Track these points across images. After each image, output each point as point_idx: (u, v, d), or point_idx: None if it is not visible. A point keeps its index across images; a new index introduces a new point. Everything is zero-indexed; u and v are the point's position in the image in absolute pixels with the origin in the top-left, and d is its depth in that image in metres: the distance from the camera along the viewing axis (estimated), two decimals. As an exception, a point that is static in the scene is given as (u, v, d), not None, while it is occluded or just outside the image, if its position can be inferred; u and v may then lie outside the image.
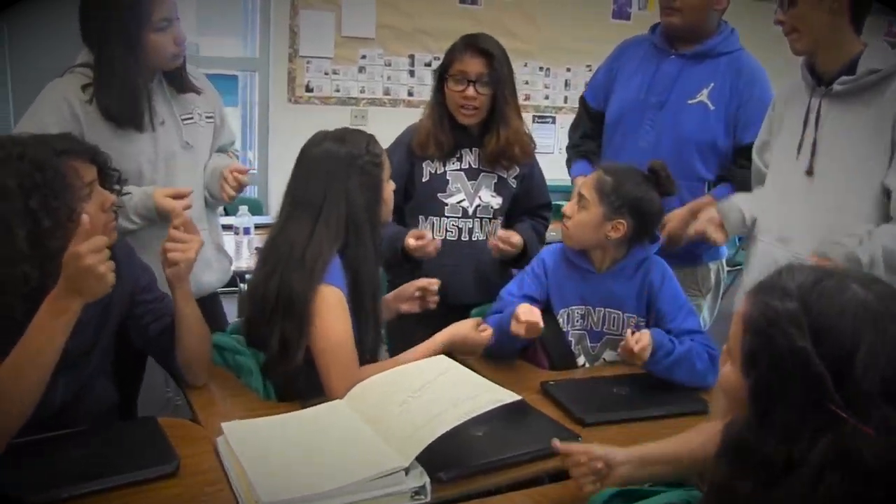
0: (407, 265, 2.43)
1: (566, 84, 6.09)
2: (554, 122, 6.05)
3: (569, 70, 6.06)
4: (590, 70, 6.00)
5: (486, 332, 2.01)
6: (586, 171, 2.71)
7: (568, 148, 3.03)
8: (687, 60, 2.65)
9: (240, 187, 2.34)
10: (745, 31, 2.74)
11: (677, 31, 2.64)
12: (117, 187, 1.84)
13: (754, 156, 2.41)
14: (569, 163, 2.97)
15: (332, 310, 1.83)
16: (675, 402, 1.97)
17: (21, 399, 1.52)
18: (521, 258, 2.50)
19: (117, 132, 2.16)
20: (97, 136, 2.12)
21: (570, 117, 5.87)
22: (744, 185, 2.48)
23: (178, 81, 2.31)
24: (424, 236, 2.35)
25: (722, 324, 2.96)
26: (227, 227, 3.62)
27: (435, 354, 1.91)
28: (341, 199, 1.88)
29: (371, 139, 1.98)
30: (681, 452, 1.49)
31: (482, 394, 1.63)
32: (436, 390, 1.68)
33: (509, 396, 1.63)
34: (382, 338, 2.08)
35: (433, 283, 2.20)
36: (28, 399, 1.53)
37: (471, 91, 2.40)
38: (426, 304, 2.22)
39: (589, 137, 2.91)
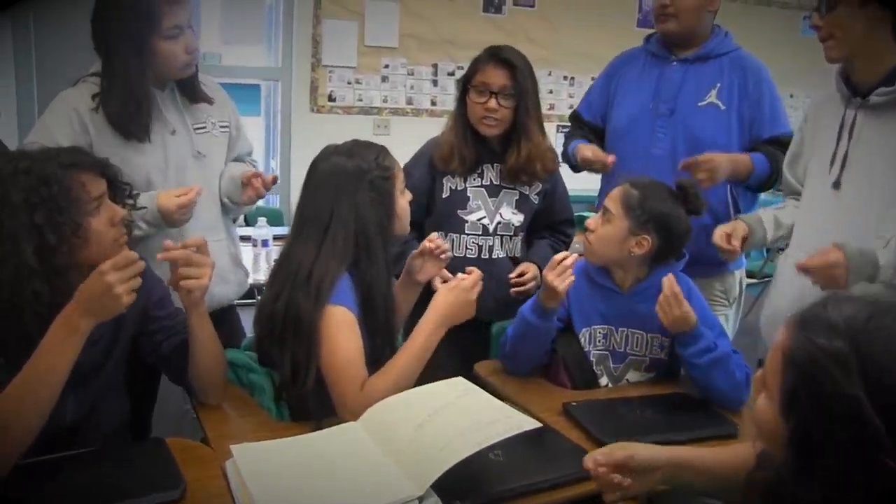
0: None
1: (591, 93, 6.01)
2: (578, 131, 5.96)
3: (593, 79, 5.90)
4: (615, 79, 5.98)
5: (471, 278, 1.89)
6: (584, 143, 2.72)
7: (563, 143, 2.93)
8: (690, 64, 2.63)
9: (262, 193, 2.31)
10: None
11: (674, 36, 2.63)
12: (130, 201, 1.81)
13: (785, 169, 2.33)
14: (564, 149, 2.86)
15: (339, 329, 1.77)
16: (702, 425, 1.89)
17: (30, 417, 1.49)
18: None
19: (126, 142, 2.13)
20: (106, 145, 2.10)
21: None
22: (774, 158, 2.49)
23: (191, 90, 2.28)
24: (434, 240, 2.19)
25: (745, 336, 2.92)
26: (245, 239, 3.60)
27: (435, 333, 1.83)
28: (350, 215, 1.83)
29: (381, 152, 1.92)
30: (714, 465, 1.42)
31: (501, 420, 1.57)
32: (452, 414, 1.61)
33: (529, 423, 1.56)
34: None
35: (434, 239, 2.09)
36: (37, 418, 1.50)
37: (493, 103, 2.34)
38: (441, 260, 2.11)
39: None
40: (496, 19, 5.67)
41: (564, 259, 1.98)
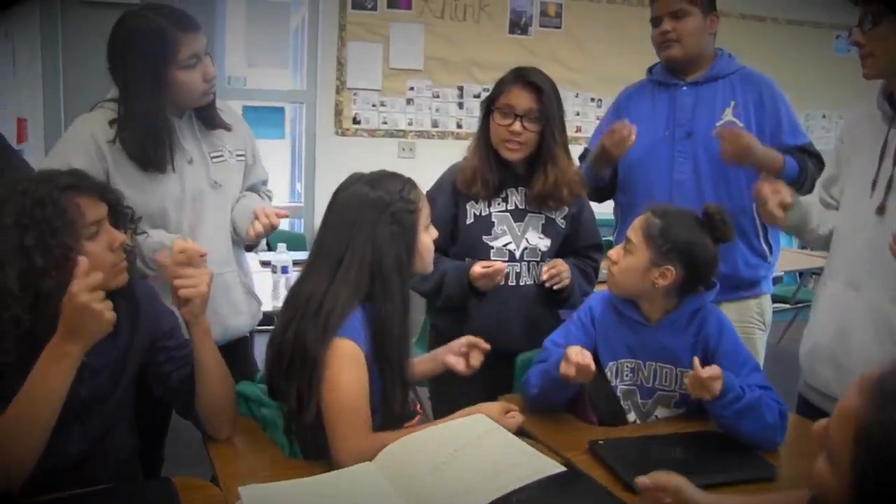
0: (473, 298, 2.33)
1: (618, 115, 5.93)
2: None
3: (621, 102, 5.91)
4: (643, 101, 5.89)
5: (514, 419, 1.80)
6: None
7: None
8: (700, 86, 2.61)
9: (270, 229, 2.24)
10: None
11: (679, 62, 2.60)
12: (132, 226, 1.76)
13: (820, 189, 2.25)
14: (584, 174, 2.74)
15: (343, 364, 1.68)
16: (739, 466, 1.78)
17: (23, 451, 1.45)
18: (568, 298, 2.37)
19: (143, 171, 2.09)
20: (123, 174, 2.07)
21: None
22: (802, 161, 2.48)
23: (208, 118, 2.24)
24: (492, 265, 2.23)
25: (778, 364, 2.81)
26: (265, 264, 3.55)
27: None
28: (367, 247, 1.74)
29: (408, 184, 1.83)
30: None
31: (524, 463, 1.50)
32: (473, 455, 1.55)
33: (553, 467, 1.49)
34: (414, 402, 1.92)
35: (481, 343, 2.02)
36: (31, 452, 1.46)
37: (517, 126, 2.28)
38: (469, 361, 2.01)
39: None
40: (522, 40, 5.62)
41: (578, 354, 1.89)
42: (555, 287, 2.36)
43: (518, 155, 2.32)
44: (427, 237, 1.86)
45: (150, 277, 2.01)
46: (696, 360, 1.83)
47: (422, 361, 2.08)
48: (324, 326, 1.68)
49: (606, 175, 2.69)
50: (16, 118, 4.56)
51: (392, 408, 1.77)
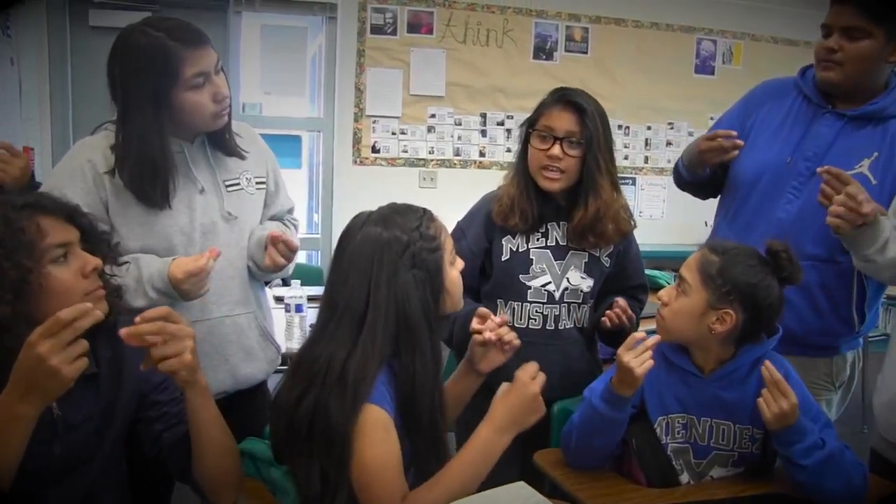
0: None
1: (646, 143, 5.76)
2: (634, 183, 5.70)
3: (649, 128, 5.74)
4: (672, 128, 5.71)
5: (538, 380, 1.61)
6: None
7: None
8: (847, 122, 2.17)
9: (290, 254, 2.05)
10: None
11: (834, 87, 2.17)
12: (110, 252, 1.58)
13: (892, 216, 1.98)
14: (676, 169, 2.49)
15: (374, 437, 1.47)
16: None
17: None
18: (619, 337, 2.15)
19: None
20: (124, 205, 1.88)
21: (651, 178, 5.71)
22: None
23: (223, 143, 2.03)
24: (488, 318, 1.86)
25: (847, 411, 2.49)
26: (278, 300, 3.34)
27: (497, 441, 1.56)
28: (390, 299, 1.51)
29: (425, 217, 1.61)
30: None
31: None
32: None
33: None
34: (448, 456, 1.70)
35: (494, 328, 1.79)
36: None
37: (556, 150, 2.06)
38: (507, 346, 1.80)
39: None
40: (547, 66, 5.45)
41: (644, 338, 1.69)
42: (611, 322, 2.14)
43: (557, 185, 2.10)
44: (454, 272, 1.64)
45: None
46: (769, 364, 1.65)
47: (454, 384, 1.85)
48: (353, 399, 1.46)
49: (704, 173, 2.38)
50: (22, 147, 4.43)
51: (426, 469, 1.55)
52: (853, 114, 2.16)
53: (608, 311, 2.15)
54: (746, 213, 2.24)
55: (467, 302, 2.07)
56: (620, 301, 2.16)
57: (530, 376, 1.61)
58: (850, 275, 2.12)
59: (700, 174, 2.38)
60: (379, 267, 1.52)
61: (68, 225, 1.47)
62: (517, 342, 1.81)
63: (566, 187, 2.12)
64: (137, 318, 1.39)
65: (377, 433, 1.47)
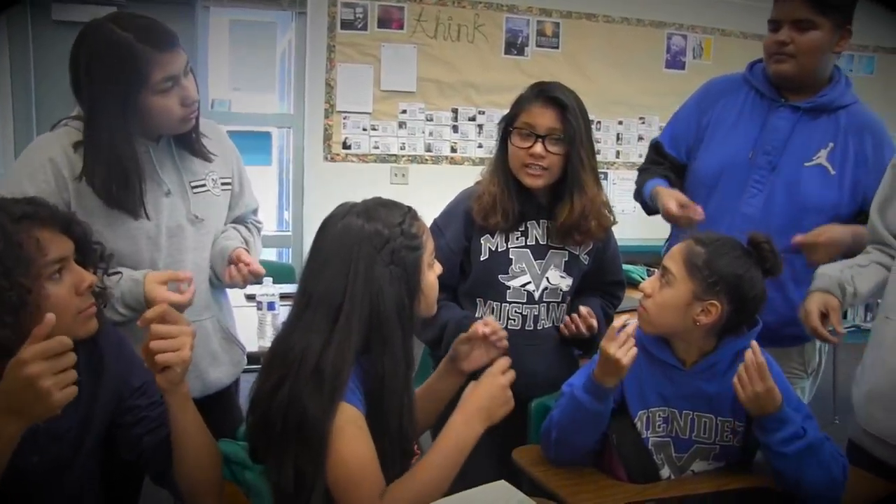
0: None
1: (618, 138, 5.75)
2: (606, 178, 5.69)
3: (620, 123, 5.72)
4: (643, 122, 5.70)
5: (507, 377, 1.60)
6: (663, 184, 2.32)
7: (637, 179, 2.56)
8: (802, 114, 2.25)
9: (249, 281, 1.99)
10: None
11: (788, 79, 2.24)
12: (102, 265, 1.52)
13: (873, 214, 2.01)
14: (639, 187, 2.50)
15: (349, 434, 1.44)
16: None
17: None
18: (588, 342, 2.12)
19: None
20: (87, 208, 1.80)
21: (623, 173, 5.70)
22: None
23: (189, 144, 1.97)
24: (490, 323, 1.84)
25: (818, 403, 2.54)
26: (249, 297, 3.29)
27: (469, 431, 1.54)
28: (365, 293, 1.48)
29: (408, 215, 1.57)
30: None
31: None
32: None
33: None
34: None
35: (490, 322, 1.77)
36: None
37: (538, 148, 2.03)
38: (495, 348, 1.78)
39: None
40: (519, 61, 5.42)
41: (625, 326, 1.67)
42: (567, 331, 2.14)
43: (541, 181, 2.07)
44: (432, 275, 1.61)
45: (119, 324, 1.76)
46: (754, 345, 1.64)
47: (435, 382, 1.82)
48: (330, 392, 1.43)
49: None
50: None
51: (389, 470, 1.52)
52: (807, 106, 2.24)
53: (566, 318, 2.14)
54: (710, 210, 2.24)
55: (446, 304, 2.05)
56: (583, 310, 2.15)
57: (501, 370, 1.60)
58: (817, 266, 2.13)
59: None
60: (358, 259, 1.49)
61: (64, 236, 1.41)
62: (505, 343, 1.79)
63: (549, 184, 2.09)
64: (139, 322, 1.35)
65: (353, 429, 1.45)
